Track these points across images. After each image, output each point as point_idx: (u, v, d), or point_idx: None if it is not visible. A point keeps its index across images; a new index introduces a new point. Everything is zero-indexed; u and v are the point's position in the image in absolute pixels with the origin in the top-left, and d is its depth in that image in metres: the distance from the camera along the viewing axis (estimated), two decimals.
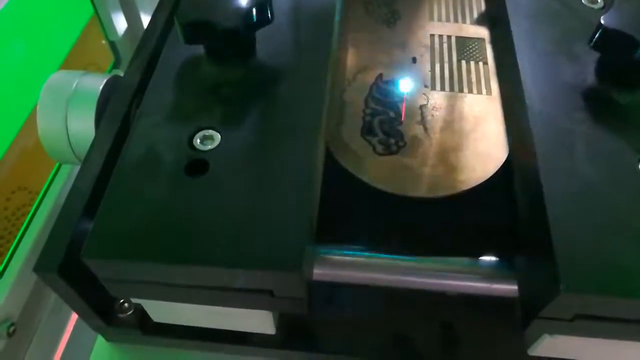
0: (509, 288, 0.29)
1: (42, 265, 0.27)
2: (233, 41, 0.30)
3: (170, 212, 0.25)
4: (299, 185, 0.25)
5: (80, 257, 0.24)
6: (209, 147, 0.27)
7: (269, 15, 0.30)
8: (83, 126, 0.34)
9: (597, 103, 0.29)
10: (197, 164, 0.26)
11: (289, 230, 0.24)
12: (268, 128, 0.28)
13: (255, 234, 0.24)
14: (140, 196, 0.25)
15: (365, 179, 0.31)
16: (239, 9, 0.29)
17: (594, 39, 0.29)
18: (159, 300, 0.28)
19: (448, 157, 0.31)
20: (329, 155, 0.31)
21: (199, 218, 0.24)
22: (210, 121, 0.28)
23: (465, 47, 0.37)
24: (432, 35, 0.38)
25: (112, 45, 0.57)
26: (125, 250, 0.24)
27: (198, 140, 0.27)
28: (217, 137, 0.27)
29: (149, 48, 0.35)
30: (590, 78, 0.31)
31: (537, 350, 0.29)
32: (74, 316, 0.47)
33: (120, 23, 0.57)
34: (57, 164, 0.50)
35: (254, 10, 0.29)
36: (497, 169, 0.31)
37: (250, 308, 0.27)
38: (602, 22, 0.29)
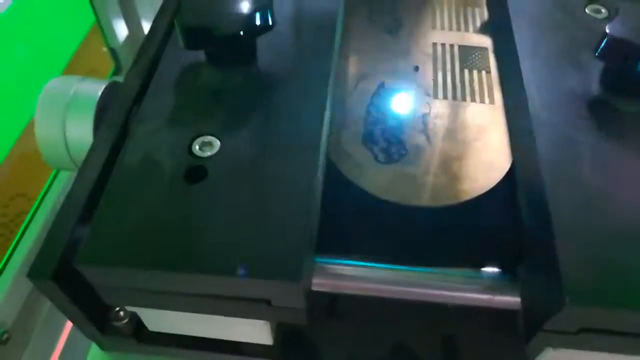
0: (512, 300, 0.28)
1: (35, 271, 0.26)
2: (233, 47, 0.29)
3: (167, 218, 0.24)
4: (299, 194, 0.25)
5: (74, 264, 0.23)
6: (208, 153, 0.27)
7: (270, 21, 0.30)
8: (81, 132, 0.34)
9: (602, 112, 0.29)
10: (196, 171, 0.26)
11: (289, 239, 0.23)
12: (268, 135, 0.28)
13: (254, 243, 0.23)
14: (137, 202, 0.25)
15: (366, 187, 0.30)
16: (239, 15, 0.29)
17: (599, 48, 0.29)
18: (155, 309, 0.27)
19: (450, 166, 0.31)
20: (330, 164, 0.31)
21: (197, 225, 0.24)
22: (209, 127, 0.28)
23: (468, 55, 0.37)
24: (434, 44, 0.38)
25: (113, 52, 0.57)
26: (121, 258, 0.23)
27: (197, 147, 0.27)
28: (217, 143, 0.27)
29: (149, 54, 0.35)
30: (594, 87, 0.30)
31: None
32: (69, 324, 0.46)
33: (121, 30, 0.57)
34: (54, 171, 0.49)
35: (255, 16, 0.29)
36: (500, 178, 0.30)
37: (248, 318, 0.26)
38: (608, 30, 0.29)
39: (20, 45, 0.54)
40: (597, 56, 0.29)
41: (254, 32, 0.30)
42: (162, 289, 0.24)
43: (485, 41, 0.38)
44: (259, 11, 0.29)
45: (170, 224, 0.24)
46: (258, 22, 0.29)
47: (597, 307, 0.22)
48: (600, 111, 0.29)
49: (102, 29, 0.55)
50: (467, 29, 0.39)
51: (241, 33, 0.28)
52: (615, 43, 0.28)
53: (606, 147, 0.28)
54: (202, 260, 0.23)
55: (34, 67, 0.54)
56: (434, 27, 0.39)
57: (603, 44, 0.29)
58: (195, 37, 0.29)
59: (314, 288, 0.28)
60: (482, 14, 0.40)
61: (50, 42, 0.59)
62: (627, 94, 0.30)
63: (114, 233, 0.24)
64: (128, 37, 0.57)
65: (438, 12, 0.40)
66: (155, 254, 0.23)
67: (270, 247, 0.23)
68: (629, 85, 0.30)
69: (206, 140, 0.27)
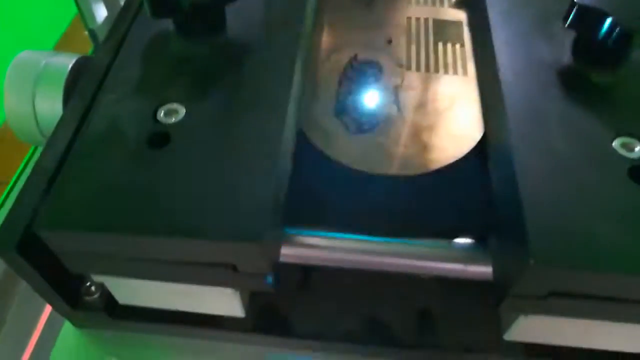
0: (484, 270, 0.28)
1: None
2: (201, 15, 0.29)
3: (129, 183, 0.24)
4: (262, 158, 0.25)
5: (34, 229, 0.23)
6: (173, 120, 0.26)
7: None
8: (51, 106, 0.33)
9: (572, 82, 0.29)
10: (160, 137, 0.26)
11: (251, 201, 0.23)
12: (235, 103, 0.27)
13: (216, 205, 0.23)
14: (99, 167, 0.25)
15: (337, 157, 0.30)
16: None
17: (569, 17, 0.29)
18: (119, 277, 0.27)
19: (421, 136, 0.31)
20: (301, 134, 0.31)
21: (159, 189, 0.24)
22: (175, 95, 0.27)
23: (442, 29, 0.37)
24: (409, 18, 0.38)
25: (92, 33, 0.56)
26: (82, 222, 0.23)
27: (162, 114, 0.27)
28: (182, 110, 0.27)
29: (121, 29, 0.34)
30: (565, 57, 0.30)
31: (513, 334, 0.28)
32: (48, 308, 0.46)
33: (101, 11, 0.56)
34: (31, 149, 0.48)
35: None
36: (471, 148, 0.30)
37: (214, 285, 0.26)
38: None
39: (3, 29, 0.53)
40: (566, 25, 0.29)
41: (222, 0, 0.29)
42: (124, 254, 0.24)
43: (460, 15, 0.38)
44: None
45: (133, 188, 0.24)
46: None
47: (561, 268, 0.22)
48: (571, 81, 0.29)
49: (80, 10, 0.55)
50: (442, 3, 0.39)
51: (208, 1, 0.28)
52: (584, 11, 0.28)
53: (575, 116, 0.27)
54: (163, 222, 0.23)
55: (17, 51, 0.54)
56: (409, 1, 0.39)
57: (572, 13, 0.29)
58: (162, 4, 0.28)
59: (285, 259, 0.28)
60: None
61: (36, 26, 0.58)
62: (598, 63, 0.30)
63: (75, 197, 0.24)
64: (107, 18, 0.56)
65: None
66: (115, 217, 0.23)
67: (231, 209, 0.23)
68: (599, 55, 0.30)
69: (172, 107, 0.27)
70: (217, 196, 0.23)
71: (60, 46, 0.57)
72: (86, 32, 0.59)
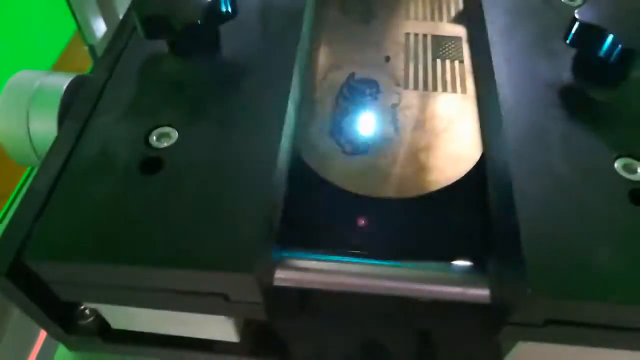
0: (483, 293, 0.28)
1: None
2: (194, 36, 0.29)
3: (119, 210, 0.24)
4: (256, 185, 0.24)
5: (24, 259, 0.23)
6: (165, 144, 0.26)
7: (232, 9, 0.29)
8: (45, 126, 0.33)
9: (573, 100, 0.28)
10: (152, 162, 0.25)
11: (243, 231, 0.23)
12: (228, 126, 0.27)
13: (208, 234, 0.23)
14: (89, 194, 0.24)
15: (333, 179, 0.29)
16: (199, 2, 0.28)
17: (569, 34, 0.29)
18: (114, 306, 0.26)
19: (419, 157, 0.30)
20: (296, 155, 0.30)
21: (149, 217, 0.23)
22: (168, 118, 0.27)
23: (441, 45, 0.36)
24: (407, 34, 0.37)
25: (91, 49, 0.56)
26: (71, 252, 0.23)
27: (154, 138, 0.26)
28: (175, 134, 0.26)
29: (117, 48, 0.34)
30: (566, 75, 0.30)
31: (513, 359, 0.28)
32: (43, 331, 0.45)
33: (100, 27, 0.56)
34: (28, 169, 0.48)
35: (217, 3, 0.28)
36: (469, 169, 0.30)
37: (206, 313, 0.25)
38: (577, 15, 0.28)
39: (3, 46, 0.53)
40: (567, 42, 0.29)
41: (216, 20, 0.29)
42: (115, 284, 0.24)
43: (459, 31, 0.37)
44: None
45: (123, 216, 0.23)
46: (220, 10, 0.29)
47: (560, 297, 0.21)
48: (571, 99, 0.28)
49: (79, 26, 0.55)
50: (440, 19, 0.38)
51: (202, 21, 0.28)
52: (585, 28, 0.28)
53: (576, 136, 0.27)
54: (152, 252, 0.22)
55: (17, 69, 0.53)
56: (407, 17, 0.38)
57: (573, 30, 0.28)
58: (155, 25, 0.28)
59: (278, 283, 0.28)
60: (456, 4, 0.40)
61: (35, 43, 0.58)
62: (599, 82, 0.29)
63: (64, 227, 0.23)
64: (106, 34, 0.56)
65: (412, 2, 0.40)
66: (105, 247, 0.22)
67: (223, 238, 0.22)
68: (601, 72, 0.29)
69: (164, 131, 0.26)
70: (209, 225, 0.23)
71: (62, 61, 0.57)
72: (86, 48, 0.59)
